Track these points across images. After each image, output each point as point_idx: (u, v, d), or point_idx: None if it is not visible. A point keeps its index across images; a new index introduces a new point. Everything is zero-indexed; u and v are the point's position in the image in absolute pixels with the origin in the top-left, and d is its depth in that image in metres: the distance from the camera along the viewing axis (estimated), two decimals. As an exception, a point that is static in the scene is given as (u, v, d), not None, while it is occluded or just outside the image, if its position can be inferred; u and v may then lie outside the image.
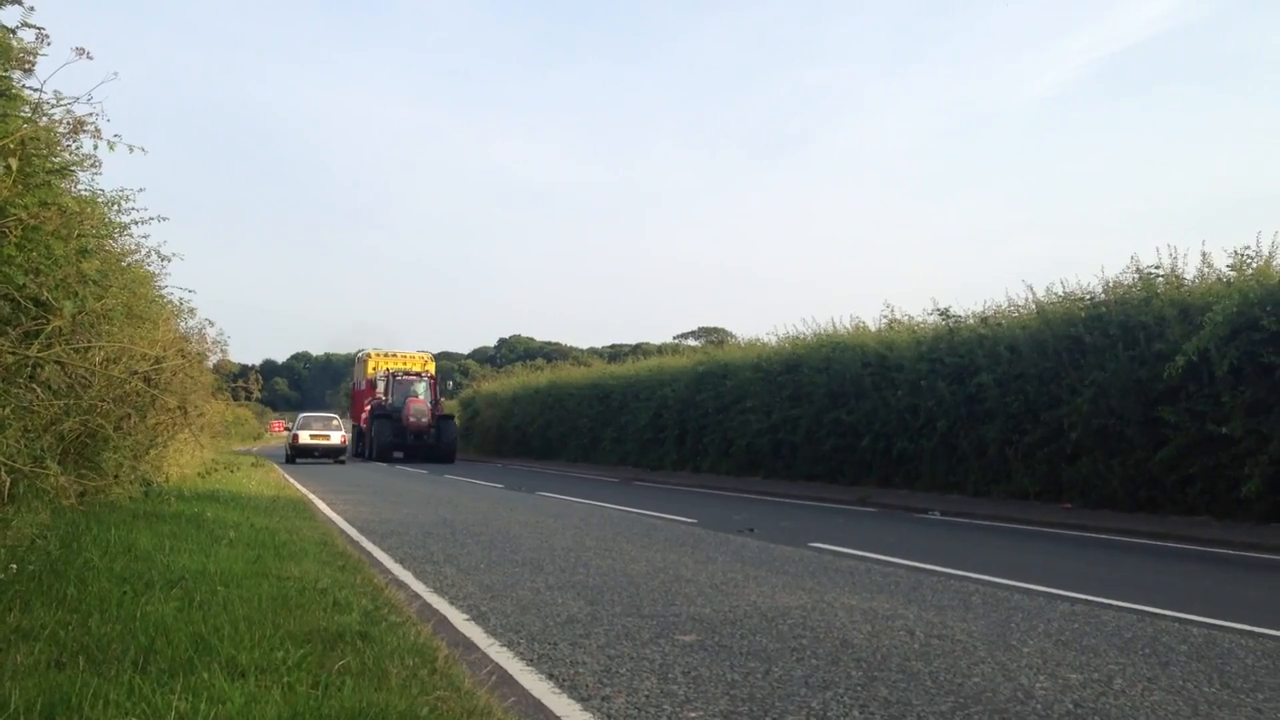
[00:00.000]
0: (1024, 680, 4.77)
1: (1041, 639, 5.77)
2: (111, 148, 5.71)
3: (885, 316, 22.01)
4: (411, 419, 37.15)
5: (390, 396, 39.58)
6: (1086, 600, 7.16)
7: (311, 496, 16.63)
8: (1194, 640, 5.80)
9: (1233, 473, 13.24)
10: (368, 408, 40.83)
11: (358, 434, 41.90)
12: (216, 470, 14.32)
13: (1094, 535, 12.70)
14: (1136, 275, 15.83)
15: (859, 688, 4.59)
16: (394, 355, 45.83)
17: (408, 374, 41.81)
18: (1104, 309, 15.80)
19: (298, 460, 34.32)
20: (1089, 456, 15.37)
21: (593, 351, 60.53)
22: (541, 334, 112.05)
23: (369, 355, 45.64)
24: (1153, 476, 14.47)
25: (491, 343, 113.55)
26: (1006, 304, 18.71)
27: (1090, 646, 5.57)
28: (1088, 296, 16.52)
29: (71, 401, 7.12)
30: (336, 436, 35.31)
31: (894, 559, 9.42)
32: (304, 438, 34.83)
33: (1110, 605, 6.96)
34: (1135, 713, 4.28)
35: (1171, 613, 6.71)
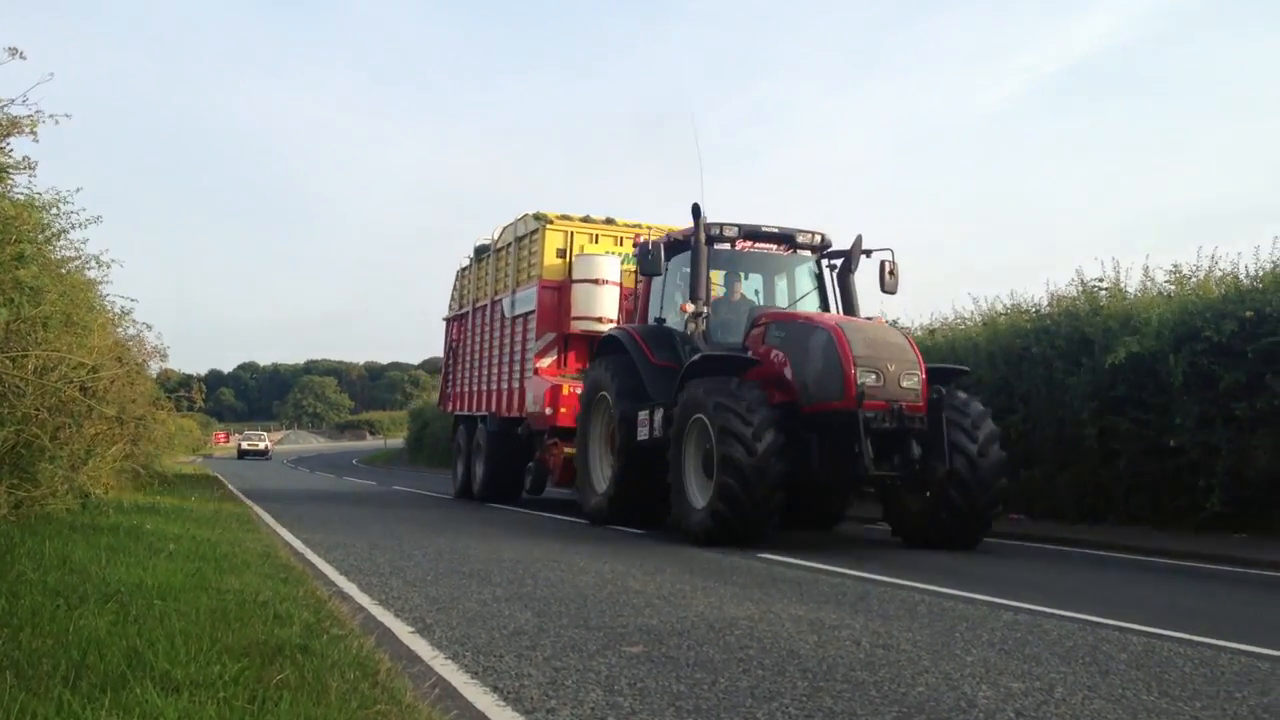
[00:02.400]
0: (967, 689, 4.80)
1: (985, 648, 5.81)
2: (34, 127, 5.56)
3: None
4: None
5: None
6: (1030, 609, 7.23)
7: (254, 506, 16.38)
8: (1133, 649, 5.87)
9: (1180, 484, 13.46)
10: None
11: (519, 446, 18.22)
12: (155, 483, 14.07)
13: (1039, 545, 12.86)
14: (1080, 288, 16.10)
15: (804, 698, 4.59)
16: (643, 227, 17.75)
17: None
18: (1049, 321, 16.04)
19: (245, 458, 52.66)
20: (1039, 468, 15.56)
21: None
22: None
23: (551, 223, 18.07)
24: (1101, 486, 14.68)
25: (442, 352, 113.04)
26: (953, 316, 18.96)
27: (1033, 655, 5.62)
28: (1034, 309, 16.77)
29: (5, 411, 6.95)
30: (262, 444, 58.29)
31: (842, 569, 9.46)
32: (244, 445, 58.67)
33: (1052, 614, 7.04)
34: (1076, 721, 4.33)
35: (1111, 621, 6.79)
